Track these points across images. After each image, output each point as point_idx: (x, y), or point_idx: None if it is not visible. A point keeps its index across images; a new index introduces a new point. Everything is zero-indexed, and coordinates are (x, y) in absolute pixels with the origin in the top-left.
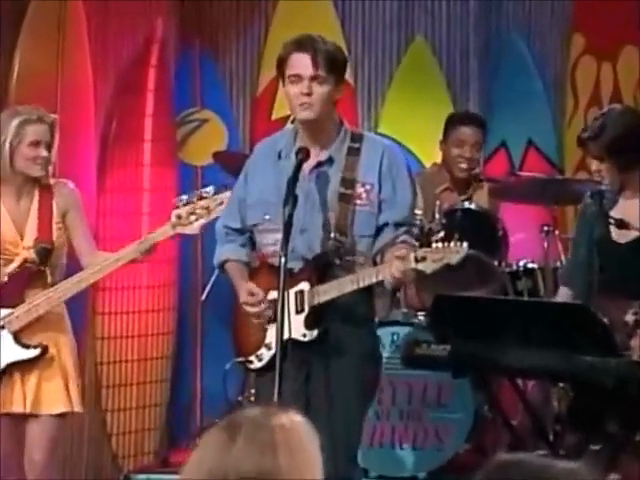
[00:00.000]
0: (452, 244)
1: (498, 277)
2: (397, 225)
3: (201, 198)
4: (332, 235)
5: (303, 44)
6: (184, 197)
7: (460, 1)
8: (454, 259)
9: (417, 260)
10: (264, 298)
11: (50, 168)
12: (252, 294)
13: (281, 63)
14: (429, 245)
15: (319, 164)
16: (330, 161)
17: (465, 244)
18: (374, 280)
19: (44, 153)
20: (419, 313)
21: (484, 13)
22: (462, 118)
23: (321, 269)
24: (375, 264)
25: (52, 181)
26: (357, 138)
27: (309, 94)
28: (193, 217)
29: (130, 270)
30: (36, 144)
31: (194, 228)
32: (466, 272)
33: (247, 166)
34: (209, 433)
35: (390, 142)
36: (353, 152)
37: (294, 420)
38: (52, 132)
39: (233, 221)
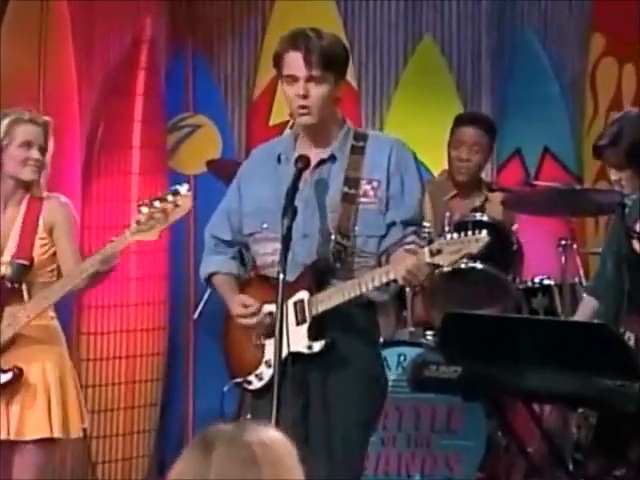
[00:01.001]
0: (469, 233)
1: (512, 294)
2: (404, 224)
3: (161, 201)
4: (333, 237)
5: (296, 41)
6: (146, 200)
7: None
8: (474, 248)
9: (432, 254)
10: (259, 309)
11: (44, 176)
12: (246, 305)
13: (277, 60)
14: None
15: (321, 162)
16: (332, 159)
17: (484, 232)
18: (384, 280)
19: (36, 155)
20: (427, 332)
21: (497, 11)
22: (462, 118)
23: (320, 275)
24: (380, 266)
25: (45, 194)
26: (361, 137)
27: (305, 96)
28: (152, 222)
29: (117, 287)
30: (27, 145)
31: (153, 234)
32: (478, 289)
33: (241, 173)
34: (185, 451)
35: (397, 138)
36: (357, 151)
37: (271, 434)
38: (45, 135)
39: (223, 232)
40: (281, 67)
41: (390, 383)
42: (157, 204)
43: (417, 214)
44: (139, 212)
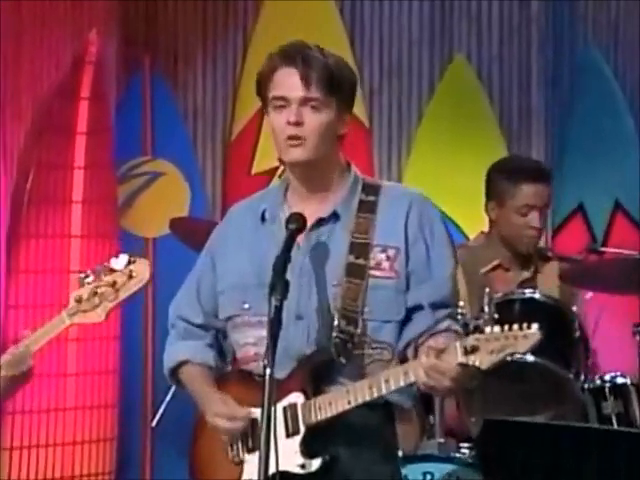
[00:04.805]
0: (516, 326)
1: (575, 395)
2: (434, 307)
3: (107, 272)
4: (335, 323)
5: (290, 54)
6: (88, 272)
7: (518, 1)
8: (522, 347)
9: (466, 351)
10: (248, 414)
11: None
12: (228, 405)
13: (263, 82)
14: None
15: (319, 221)
16: (335, 217)
17: (535, 326)
18: (402, 384)
19: None
20: (461, 444)
21: (552, 20)
22: (529, 172)
23: (319, 372)
24: (404, 362)
25: None
26: (372, 190)
27: (298, 123)
28: (96, 300)
29: (51, 385)
30: None
31: (98, 315)
32: (529, 388)
33: (214, 238)
34: None
35: (418, 191)
36: (366, 207)
37: None
38: None
39: (193, 314)
40: (267, 90)
41: None
42: (104, 276)
43: (450, 292)
44: (80, 286)
